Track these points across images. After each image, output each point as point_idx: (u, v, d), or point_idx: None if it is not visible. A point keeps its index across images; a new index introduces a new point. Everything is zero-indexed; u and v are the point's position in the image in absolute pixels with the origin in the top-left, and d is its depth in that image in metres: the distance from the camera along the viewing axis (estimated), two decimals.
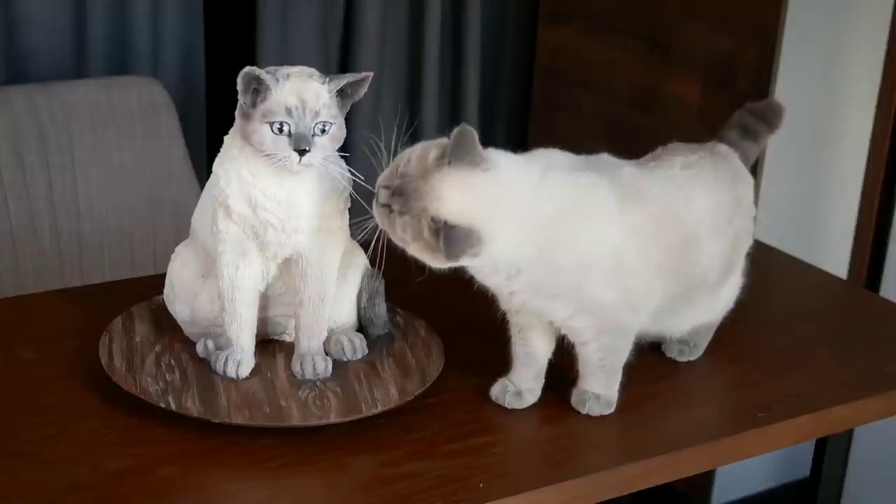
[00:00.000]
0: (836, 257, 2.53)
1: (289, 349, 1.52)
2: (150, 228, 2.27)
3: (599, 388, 1.46)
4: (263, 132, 1.36)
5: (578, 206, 1.40)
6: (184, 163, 2.32)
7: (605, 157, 1.50)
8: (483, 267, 1.39)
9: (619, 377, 1.47)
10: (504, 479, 1.34)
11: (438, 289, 1.62)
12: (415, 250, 1.35)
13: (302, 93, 1.37)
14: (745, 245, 1.58)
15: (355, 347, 1.53)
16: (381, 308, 1.57)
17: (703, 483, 2.65)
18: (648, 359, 1.56)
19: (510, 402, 1.47)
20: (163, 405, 1.38)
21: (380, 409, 1.42)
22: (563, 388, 1.48)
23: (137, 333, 1.53)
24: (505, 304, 1.46)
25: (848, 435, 2.16)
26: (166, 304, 1.53)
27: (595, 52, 2.75)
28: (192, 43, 2.56)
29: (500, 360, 1.50)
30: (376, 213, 1.36)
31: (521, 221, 1.37)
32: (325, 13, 2.66)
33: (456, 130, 1.34)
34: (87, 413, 1.42)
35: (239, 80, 1.37)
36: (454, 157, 1.34)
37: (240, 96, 1.38)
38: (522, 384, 1.47)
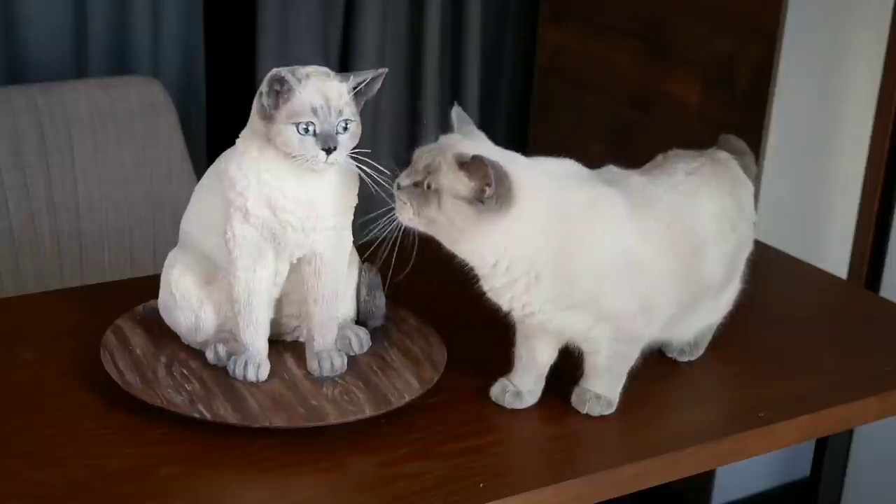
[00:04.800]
0: (836, 257, 2.53)
1: (294, 348, 1.52)
2: (150, 228, 2.27)
3: (602, 389, 1.46)
4: (289, 133, 1.36)
5: (593, 212, 1.40)
6: (184, 163, 2.32)
7: (613, 169, 1.50)
8: (501, 268, 1.38)
9: (623, 380, 1.47)
10: (504, 479, 1.34)
11: (438, 289, 1.63)
12: (442, 215, 1.34)
13: (325, 92, 1.37)
14: (747, 250, 1.58)
15: (361, 341, 1.54)
16: (381, 300, 1.58)
17: (703, 483, 2.65)
18: (648, 359, 1.56)
19: (510, 403, 1.47)
20: (196, 416, 1.37)
21: (408, 398, 1.43)
22: (564, 387, 1.48)
23: (135, 346, 1.51)
24: (519, 323, 1.45)
25: (848, 435, 2.16)
26: (163, 314, 1.52)
27: (595, 52, 2.75)
28: (192, 43, 2.56)
29: (500, 360, 1.50)
30: (399, 209, 1.36)
31: (538, 211, 1.36)
32: (325, 13, 2.66)
33: (452, 112, 1.42)
34: (87, 413, 1.42)
35: (264, 83, 1.36)
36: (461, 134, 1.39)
37: (263, 98, 1.37)
38: (523, 386, 1.47)
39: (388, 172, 1.40)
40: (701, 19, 2.48)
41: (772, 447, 1.58)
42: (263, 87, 1.37)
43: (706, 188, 1.50)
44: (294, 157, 1.37)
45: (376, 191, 1.40)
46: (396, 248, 1.37)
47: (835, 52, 2.49)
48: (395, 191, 1.37)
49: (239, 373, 1.45)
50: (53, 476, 1.31)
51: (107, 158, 2.24)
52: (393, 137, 2.76)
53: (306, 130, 1.36)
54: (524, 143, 3.00)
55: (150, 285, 1.54)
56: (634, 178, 1.48)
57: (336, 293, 1.49)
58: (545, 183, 1.39)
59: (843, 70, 2.51)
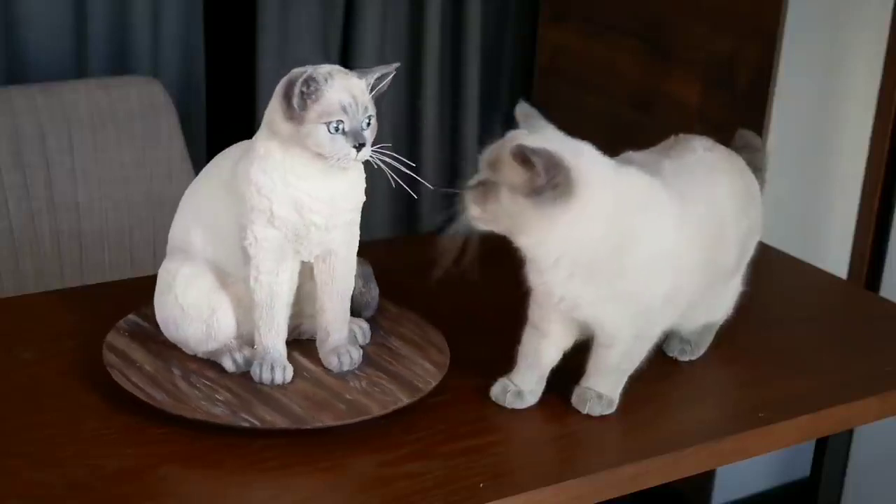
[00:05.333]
0: (836, 257, 2.54)
1: (298, 346, 1.51)
2: (149, 228, 2.27)
3: (604, 387, 1.46)
4: (320, 133, 1.36)
5: (646, 204, 1.41)
6: (184, 163, 2.32)
7: (634, 155, 1.50)
8: (565, 262, 1.37)
9: (625, 380, 1.47)
10: (504, 479, 1.34)
11: (439, 289, 1.63)
12: (502, 209, 1.34)
13: (351, 89, 1.38)
14: (755, 239, 1.59)
15: (364, 332, 1.54)
16: (375, 291, 1.59)
17: (703, 483, 2.65)
18: (649, 359, 1.57)
19: (510, 403, 1.47)
20: (245, 425, 1.36)
21: (433, 382, 1.46)
22: (564, 387, 1.48)
23: (141, 362, 1.47)
24: (543, 310, 1.45)
25: (848, 435, 2.17)
26: (167, 328, 1.49)
27: (595, 52, 2.75)
28: (192, 43, 2.56)
29: (500, 360, 1.51)
30: (468, 209, 1.36)
31: (604, 203, 1.36)
32: (325, 13, 2.66)
33: (516, 109, 1.42)
34: (87, 413, 1.42)
35: (296, 84, 1.35)
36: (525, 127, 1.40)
37: (294, 99, 1.35)
38: (524, 385, 1.47)
39: (413, 164, 1.41)
40: (701, 19, 2.48)
41: (772, 447, 1.58)
42: (295, 89, 1.35)
43: (721, 166, 1.52)
44: (326, 156, 1.37)
45: (398, 184, 1.41)
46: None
47: (835, 52, 2.49)
48: (464, 193, 1.37)
49: (266, 377, 1.44)
50: (53, 476, 1.31)
51: (107, 158, 2.24)
52: (393, 137, 2.76)
53: (336, 129, 1.36)
54: None
55: (150, 285, 1.54)
56: (665, 163, 1.48)
57: (349, 288, 1.49)
58: (609, 175, 1.38)
59: (843, 70, 2.51)
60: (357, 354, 1.49)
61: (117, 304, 1.59)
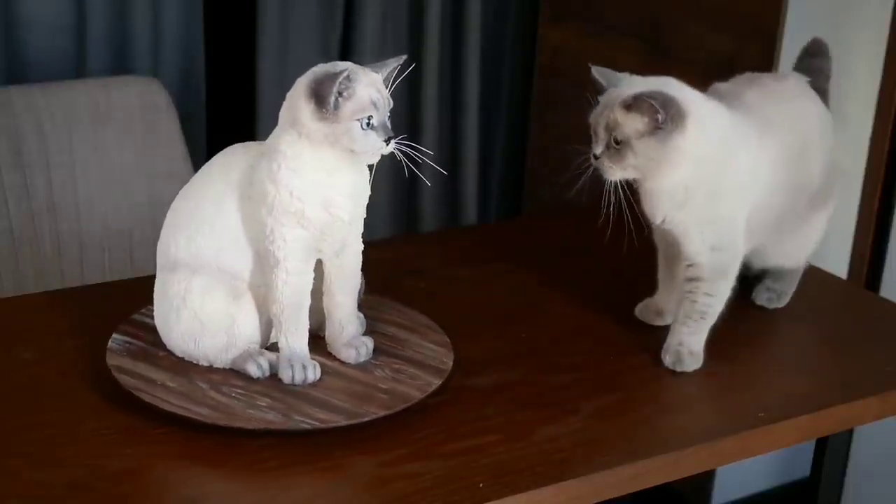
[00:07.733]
0: (836, 257, 2.53)
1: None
2: (150, 228, 2.26)
3: (693, 343, 1.57)
4: (354, 130, 1.37)
5: (732, 130, 1.53)
6: (184, 163, 2.31)
7: (720, 85, 1.66)
8: (688, 183, 1.50)
9: (707, 331, 1.57)
10: (504, 479, 1.34)
11: (438, 289, 1.63)
12: (639, 158, 1.47)
13: (377, 83, 1.39)
14: (839, 171, 1.72)
15: (362, 322, 1.55)
16: (363, 280, 1.58)
17: (703, 483, 2.65)
18: (649, 358, 1.57)
19: (651, 320, 1.66)
20: (308, 426, 1.36)
21: (449, 362, 1.50)
22: (561, 387, 1.48)
23: (164, 381, 1.43)
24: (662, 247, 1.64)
25: (848, 435, 2.16)
26: (185, 343, 1.46)
27: (595, 52, 2.75)
28: (192, 43, 2.56)
29: (499, 360, 1.50)
30: (606, 173, 1.49)
31: (707, 121, 1.50)
32: (325, 13, 2.66)
33: (592, 72, 1.54)
34: (87, 413, 1.42)
35: (336, 84, 1.35)
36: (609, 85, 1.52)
37: (332, 99, 1.35)
38: (664, 305, 1.66)
39: (431, 153, 1.42)
40: (701, 19, 2.48)
41: (772, 447, 1.59)
42: (332, 88, 1.35)
43: (802, 93, 1.69)
44: (358, 152, 1.38)
45: (406, 177, 1.42)
46: (626, 211, 1.48)
47: (835, 52, 2.49)
48: (594, 161, 1.50)
49: (298, 378, 1.44)
50: (53, 476, 1.31)
51: (107, 158, 2.24)
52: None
53: (367, 124, 1.37)
54: (524, 142, 2.99)
55: (150, 286, 1.54)
56: (749, 92, 1.63)
57: (359, 281, 1.51)
58: (699, 98, 1.53)
59: (843, 70, 2.50)
60: (371, 344, 1.50)
61: (117, 305, 1.59)
